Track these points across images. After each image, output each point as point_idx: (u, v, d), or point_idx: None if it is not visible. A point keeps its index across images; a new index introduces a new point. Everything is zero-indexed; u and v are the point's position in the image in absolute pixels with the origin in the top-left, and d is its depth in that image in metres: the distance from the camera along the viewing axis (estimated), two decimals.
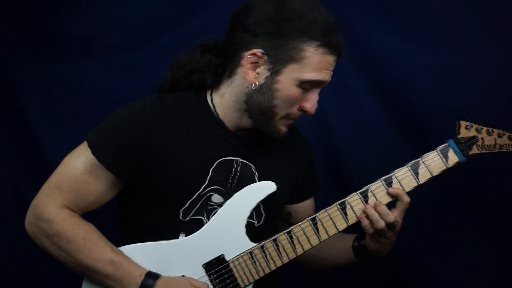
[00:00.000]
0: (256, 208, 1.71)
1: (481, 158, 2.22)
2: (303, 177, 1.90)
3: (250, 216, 1.69)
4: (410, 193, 2.36)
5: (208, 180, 1.68)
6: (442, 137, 2.29)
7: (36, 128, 2.44)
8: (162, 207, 1.68)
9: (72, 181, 1.62)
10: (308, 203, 1.99)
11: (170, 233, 1.67)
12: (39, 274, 2.42)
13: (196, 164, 1.67)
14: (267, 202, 1.72)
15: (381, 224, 1.63)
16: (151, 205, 1.69)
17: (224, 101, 1.72)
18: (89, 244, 1.59)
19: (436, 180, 2.32)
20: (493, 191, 2.28)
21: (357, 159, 2.44)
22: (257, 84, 1.62)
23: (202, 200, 1.68)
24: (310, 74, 1.59)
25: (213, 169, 1.69)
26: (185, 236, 1.67)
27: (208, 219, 1.68)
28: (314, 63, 1.58)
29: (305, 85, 1.61)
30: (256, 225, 1.75)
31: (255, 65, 1.61)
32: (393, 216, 1.64)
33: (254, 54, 1.60)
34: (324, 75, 1.61)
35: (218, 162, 1.70)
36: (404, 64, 2.36)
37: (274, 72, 1.60)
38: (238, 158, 1.72)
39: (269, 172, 1.74)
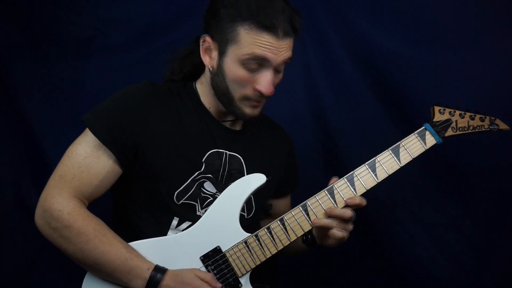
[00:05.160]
0: (248, 201, 1.78)
1: (481, 157, 2.24)
2: (285, 171, 1.98)
3: (242, 208, 1.74)
4: (409, 193, 2.38)
5: (203, 167, 1.76)
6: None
7: (36, 128, 2.44)
8: (158, 188, 1.72)
9: (76, 167, 1.67)
10: (288, 199, 2.09)
11: (164, 216, 1.73)
12: (39, 274, 2.42)
13: (191, 149, 1.75)
14: (257, 195, 1.79)
15: (349, 227, 1.72)
16: (147, 188, 1.73)
17: (204, 87, 1.82)
18: (99, 235, 1.61)
19: (438, 181, 2.34)
20: (494, 191, 2.28)
21: (357, 159, 2.42)
22: (213, 68, 1.73)
23: (196, 185, 1.74)
24: (246, 51, 1.65)
25: (205, 158, 1.77)
26: (178, 221, 1.73)
27: (201, 206, 1.75)
28: (249, 41, 1.64)
29: (249, 64, 1.67)
30: (246, 217, 1.82)
31: (209, 50, 1.73)
32: (350, 211, 1.71)
33: (204, 40, 1.73)
34: (263, 51, 1.65)
35: (210, 153, 1.77)
36: (404, 64, 2.36)
37: (221, 54, 1.70)
38: (226, 151, 1.80)
39: (256, 165, 1.82)
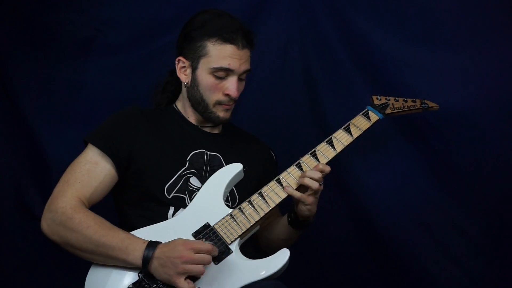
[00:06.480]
0: (231, 192, 2.04)
1: (481, 156, 2.24)
2: (263, 172, 2.16)
3: (227, 199, 2.00)
4: (409, 197, 2.38)
5: (188, 164, 2.02)
6: (441, 136, 2.31)
7: (36, 128, 2.44)
8: (149, 187, 1.97)
9: (77, 172, 1.93)
10: None
11: (160, 207, 1.95)
12: (39, 274, 2.43)
13: (175, 151, 2.03)
14: (239, 186, 2.03)
15: (315, 185, 1.95)
16: (141, 188, 1.98)
17: (182, 103, 2.15)
18: (98, 223, 1.84)
19: (438, 181, 2.34)
20: (494, 192, 2.28)
21: (357, 159, 2.44)
22: (188, 83, 2.07)
23: (183, 180, 1.99)
24: (215, 63, 2.00)
25: (189, 157, 2.03)
26: (174, 209, 1.95)
27: (190, 199, 1.98)
28: (216, 53, 2.00)
29: (217, 73, 2.01)
30: (231, 206, 2.02)
31: (184, 68, 2.07)
32: (319, 174, 1.96)
33: (179, 60, 2.08)
34: (228, 62, 2.00)
35: (193, 153, 2.04)
36: (404, 64, 2.36)
37: (194, 69, 2.04)
38: (207, 151, 2.07)
39: (235, 160, 2.05)
